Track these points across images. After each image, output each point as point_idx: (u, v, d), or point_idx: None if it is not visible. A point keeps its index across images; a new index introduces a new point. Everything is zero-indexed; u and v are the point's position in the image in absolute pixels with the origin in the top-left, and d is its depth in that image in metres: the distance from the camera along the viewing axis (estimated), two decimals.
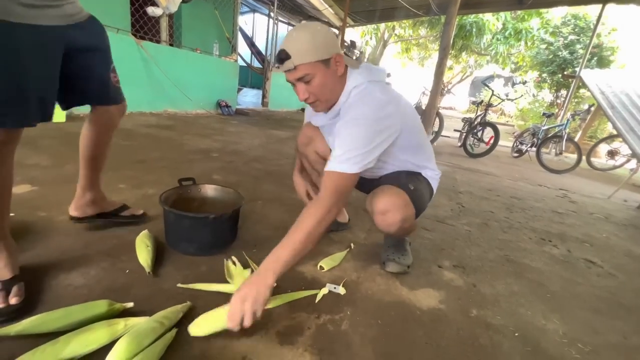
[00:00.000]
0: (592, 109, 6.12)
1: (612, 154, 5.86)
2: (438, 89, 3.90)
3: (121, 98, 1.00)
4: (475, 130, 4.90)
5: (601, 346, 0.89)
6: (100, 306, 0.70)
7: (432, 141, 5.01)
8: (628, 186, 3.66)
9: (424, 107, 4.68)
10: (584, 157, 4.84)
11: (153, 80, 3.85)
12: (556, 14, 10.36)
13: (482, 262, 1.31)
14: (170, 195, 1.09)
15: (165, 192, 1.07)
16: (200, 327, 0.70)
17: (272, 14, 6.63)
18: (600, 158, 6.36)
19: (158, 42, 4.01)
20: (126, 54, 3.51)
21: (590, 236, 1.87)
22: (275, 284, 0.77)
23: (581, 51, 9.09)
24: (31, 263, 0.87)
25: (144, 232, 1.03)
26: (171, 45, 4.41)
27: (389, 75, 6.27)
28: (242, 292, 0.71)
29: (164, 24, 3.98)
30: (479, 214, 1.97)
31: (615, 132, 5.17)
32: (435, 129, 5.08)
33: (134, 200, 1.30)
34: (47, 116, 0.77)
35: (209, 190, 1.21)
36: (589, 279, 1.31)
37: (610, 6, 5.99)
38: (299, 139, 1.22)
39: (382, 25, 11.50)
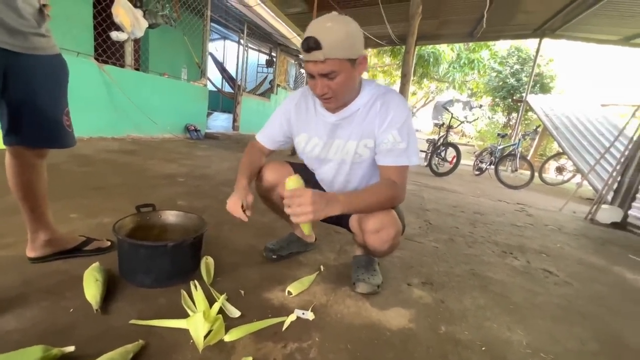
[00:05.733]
0: (539, 129, 6.74)
1: (560, 170, 6.43)
2: None
3: (72, 142, 0.94)
4: (439, 151, 5.18)
5: (561, 354, 0.93)
6: (33, 353, 0.61)
7: None
8: (575, 199, 3.99)
9: None
10: (536, 174, 5.25)
11: (116, 104, 3.72)
12: (502, 47, 11.57)
13: (449, 277, 1.34)
14: (125, 223, 1.03)
15: (119, 220, 1.00)
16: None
17: (242, 41, 6.78)
18: (550, 174, 6.93)
19: (122, 66, 3.92)
20: (86, 77, 3.38)
21: (547, 247, 1.99)
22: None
23: (525, 79, 10.12)
24: None
25: (94, 265, 0.94)
26: (137, 69, 4.32)
27: None
28: (316, 197, 0.81)
29: (128, 48, 3.92)
30: (446, 230, 2.03)
31: (561, 150, 5.71)
32: None
33: (85, 231, 1.20)
34: None
35: (170, 216, 1.15)
36: (548, 289, 1.38)
37: (546, 40, 6.82)
38: (257, 182, 1.14)
39: None
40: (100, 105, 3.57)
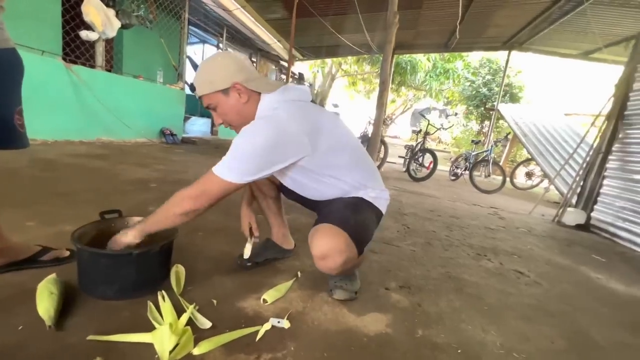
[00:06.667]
0: (510, 136, 7.08)
1: (529, 175, 6.77)
2: (381, 118, 4.19)
3: (24, 143, 0.87)
4: (416, 156, 5.31)
5: (533, 353, 0.95)
6: None
7: (379, 167, 5.30)
8: (543, 202, 4.20)
9: (369, 135, 4.98)
10: (507, 179, 5.49)
11: (84, 106, 3.54)
12: (475, 58, 12.14)
13: (426, 280, 1.35)
14: (87, 230, 0.96)
15: (80, 227, 0.93)
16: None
17: (221, 45, 6.70)
18: (520, 179, 7.27)
19: (93, 67, 3.74)
20: (52, 77, 3.19)
21: (518, 248, 2.06)
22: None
23: (496, 88, 10.65)
24: None
25: (50, 277, 0.86)
26: (109, 71, 4.15)
27: (336, 105, 6.63)
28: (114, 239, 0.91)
29: (99, 48, 3.76)
30: (423, 234, 2.07)
31: (530, 157, 6.02)
32: (381, 155, 5.39)
33: (43, 240, 1.10)
34: None
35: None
36: (519, 289, 1.42)
37: (514, 53, 7.22)
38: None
39: (329, 61, 12.31)
40: (67, 106, 3.38)
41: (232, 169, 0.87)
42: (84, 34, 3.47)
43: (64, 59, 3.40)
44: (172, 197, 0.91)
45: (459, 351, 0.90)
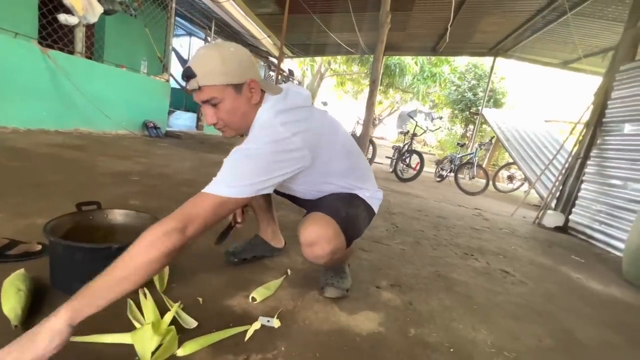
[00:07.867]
0: (493, 140, 7.27)
1: (510, 178, 6.99)
2: (370, 118, 4.21)
3: None
4: (403, 157, 5.36)
5: (522, 352, 0.95)
6: None
7: None
8: (524, 205, 4.32)
9: (358, 135, 4.99)
10: (490, 181, 5.64)
11: (61, 94, 3.35)
12: (461, 62, 12.42)
13: (416, 279, 1.34)
14: (62, 223, 0.88)
15: (54, 219, 0.86)
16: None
17: (209, 39, 6.54)
18: (502, 182, 7.50)
19: (72, 53, 3.55)
20: (25, 62, 3.00)
21: (503, 249, 2.10)
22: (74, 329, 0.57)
23: (481, 93, 10.93)
24: None
25: (18, 272, 0.79)
26: (89, 58, 3.95)
27: (325, 103, 6.61)
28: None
29: (79, 34, 3.57)
30: (411, 233, 2.07)
31: (511, 160, 6.20)
32: (369, 155, 5.42)
33: (10, 233, 1.02)
34: None
35: (118, 215, 1.02)
36: (506, 288, 1.44)
37: (499, 60, 7.44)
38: None
39: (319, 60, 12.30)
40: (42, 93, 3.19)
41: (230, 185, 0.73)
42: (63, 17, 3.28)
43: (40, 43, 3.20)
44: (134, 245, 0.64)
45: (451, 350, 0.89)
